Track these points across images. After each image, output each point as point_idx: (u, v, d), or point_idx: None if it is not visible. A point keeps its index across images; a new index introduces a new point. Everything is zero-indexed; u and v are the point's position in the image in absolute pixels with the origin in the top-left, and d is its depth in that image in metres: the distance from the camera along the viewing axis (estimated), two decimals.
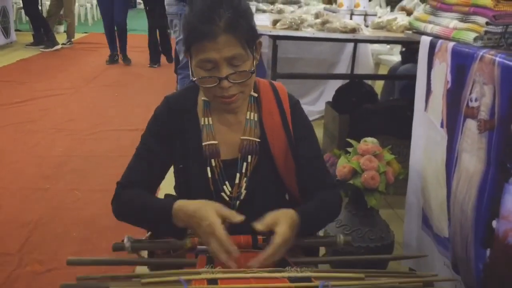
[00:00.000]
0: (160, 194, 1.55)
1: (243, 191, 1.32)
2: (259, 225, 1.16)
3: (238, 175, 1.31)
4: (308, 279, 1.05)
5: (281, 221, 1.16)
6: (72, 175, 3.15)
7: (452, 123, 1.52)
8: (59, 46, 7.62)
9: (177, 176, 1.39)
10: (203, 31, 1.15)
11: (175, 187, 1.46)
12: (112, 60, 6.91)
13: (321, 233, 1.96)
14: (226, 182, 1.31)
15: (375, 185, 1.82)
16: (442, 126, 1.60)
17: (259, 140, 1.32)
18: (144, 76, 6.18)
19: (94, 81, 5.80)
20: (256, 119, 1.33)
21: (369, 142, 1.92)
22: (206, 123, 1.32)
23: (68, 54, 7.45)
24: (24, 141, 3.73)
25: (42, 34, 7.60)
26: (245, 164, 1.31)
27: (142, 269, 1.27)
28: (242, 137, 1.32)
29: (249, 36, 1.20)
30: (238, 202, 1.32)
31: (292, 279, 1.05)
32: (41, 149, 3.58)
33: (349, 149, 1.96)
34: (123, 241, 1.25)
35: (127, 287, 0.94)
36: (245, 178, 1.31)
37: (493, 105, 1.29)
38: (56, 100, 4.86)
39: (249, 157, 1.31)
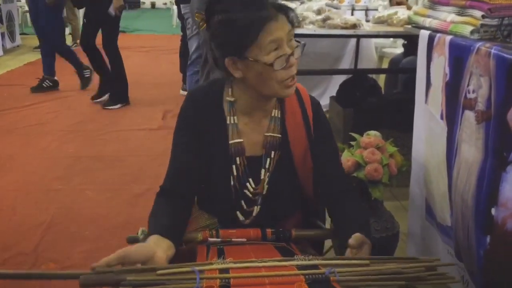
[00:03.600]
0: None
1: (265, 186, 1.35)
2: (352, 241, 1.19)
3: (263, 170, 1.35)
4: (315, 267, 1.10)
5: (364, 248, 1.20)
6: (83, 175, 3.21)
7: (452, 115, 1.56)
8: None
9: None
10: (264, 15, 1.19)
11: None
12: (40, 86, 5.23)
13: (327, 225, 2.00)
14: (250, 179, 1.35)
15: (379, 177, 1.85)
16: (442, 117, 1.64)
17: (280, 136, 1.36)
18: (150, 76, 6.22)
19: None
20: (279, 116, 1.37)
21: (372, 135, 1.95)
22: (232, 122, 1.34)
23: None
24: (35, 143, 3.80)
25: None
26: (268, 159, 1.35)
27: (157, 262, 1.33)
28: (266, 134, 1.35)
29: (294, 15, 1.27)
30: (260, 197, 1.36)
31: (300, 267, 1.09)
32: (52, 151, 3.65)
33: (352, 143, 1.99)
34: (137, 233, 1.31)
35: (144, 279, 0.99)
36: (267, 173, 1.35)
37: (489, 96, 1.33)
38: (64, 102, 4.93)
39: (272, 152, 1.35)
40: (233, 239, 1.31)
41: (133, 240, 1.30)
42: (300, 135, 1.37)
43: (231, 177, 1.34)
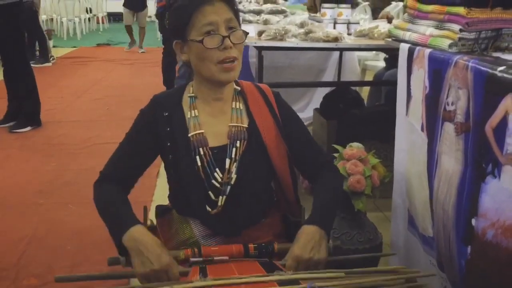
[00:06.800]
0: (152, 206, 1.59)
1: (233, 176, 1.36)
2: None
3: (228, 160, 1.36)
4: (296, 282, 1.10)
5: (294, 246, 1.29)
6: (65, 189, 3.18)
7: (432, 127, 1.58)
8: (49, 64, 7.65)
9: (169, 173, 1.43)
10: (200, 0, 1.29)
11: (169, 196, 1.50)
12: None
13: None
14: (217, 169, 1.36)
15: (361, 188, 1.87)
16: (422, 129, 1.66)
17: (247, 126, 1.39)
18: (134, 88, 6.21)
19: (84, 95, 5.84)
20: (242, 108, 1.42)
21: (355, 147, 1.97)
22: (193, 115, 1.39)
23: (57, 69, 7.48)
24: (17, 157, 3.76)
25: (33, 49, 7.61)
26: (234, 149, 1.37)
27: (137, 282, 1.30)
28: (230, 124, 1.39)
29: (235, 5, 1.37)
30: (229, 187, 1.36)
31: (280, 282, 1.10)
32: (34, 164, 3.61)
33: (336, 155, 2.01)
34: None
35: None
36: (235, 163, 1.37)
37: (468, 108, 1.35)
38: (47, 114, 4.87)
39: (238, 142, 1.37)
40: (215, 258, 1.30)
41: (114, 262, 1.28)
42: (268, 123, 1.42)
43: (196, 168, 1.35)
